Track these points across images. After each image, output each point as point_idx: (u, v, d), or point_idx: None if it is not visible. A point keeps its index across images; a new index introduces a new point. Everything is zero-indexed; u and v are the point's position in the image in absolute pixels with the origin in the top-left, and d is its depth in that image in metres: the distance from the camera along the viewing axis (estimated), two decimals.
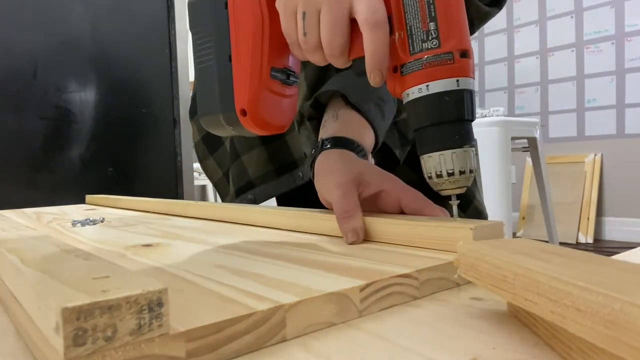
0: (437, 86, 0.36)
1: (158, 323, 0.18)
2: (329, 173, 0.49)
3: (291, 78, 0.45)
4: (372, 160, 0.55)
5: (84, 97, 1.39)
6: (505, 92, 3.74)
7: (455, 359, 0.20)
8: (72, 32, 1.36)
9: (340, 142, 0.52)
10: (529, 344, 0.21)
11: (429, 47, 0.36)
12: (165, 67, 1.54)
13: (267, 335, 0.22)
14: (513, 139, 2.30)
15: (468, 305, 0.27)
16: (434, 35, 0.36)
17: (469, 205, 0.72)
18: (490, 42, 3.75)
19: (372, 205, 0.47)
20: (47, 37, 1.32)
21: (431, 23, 0.36)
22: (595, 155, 3.25)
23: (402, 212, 0.45)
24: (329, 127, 0.56)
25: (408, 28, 0.37)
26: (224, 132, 0.46)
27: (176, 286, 0.28)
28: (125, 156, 1.47)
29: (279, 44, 0.43)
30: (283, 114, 0.45)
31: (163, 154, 1.54)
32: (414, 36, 0.37)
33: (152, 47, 1.52)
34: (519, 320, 0.24)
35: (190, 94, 1.63)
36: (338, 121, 0.56)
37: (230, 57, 0.43)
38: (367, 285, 0.26)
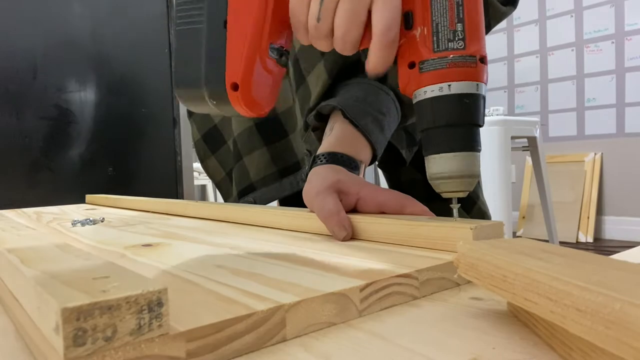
0: (459, 87, 0.36)
1: (158, 323, 0.18)
2: (309, 183, 0.49)
3: (283, 58, 0.41)
4: (363, 174, 0.54)
5: (84, 97, 1.39)
6: (505, 92, 3.74)
7: (455, 359, 0.20)
8: (72, 32, 1.36)
9: (333, 158, 0.51)
10: (529, 344, 0.21)
11: (455, 47, 0.36)
12: (165, 67, 1.54)
13: (267, 335, 0.22)
14: (513, 138, 2.30)
15: (468, 305, 0.27)
16: (460, 37, 0.36)
17: (473, 206, 0.71)
18: (490, 41, 3.75)
19: (353, 212, 0.47)
20: (47, 37, 1.32)
21: (459, 24, 0.36)
22: (595, 154, 3.25)
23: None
24: (325, 141, 0.55)
25: (434, 25, 0.36)
26: (204, 108, 0.41)
27: (176, 286, 0.28)
28: (125, 156, 1.47)
29: (281, 20, 0.40)
30: (271, 96, 0.42)
31: (163, 154, 1.54)
32: (440, 34, 0.36)
33: (152, 47, 1.52)
34: (519, 320, 0.24)
35: None
36: (333, 135, 0.55)
37: (225, 22, 0.39)
38: (367, 285, 0.26)
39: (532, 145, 2.43)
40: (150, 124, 1.51)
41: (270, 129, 0.75)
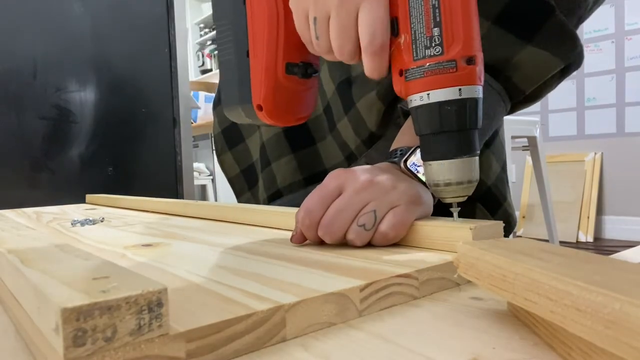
0: (438, 95, 0.36)
1: (158, 323, 0.18)
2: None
3: (309, 71, 0.45)
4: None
5: (84, 97, 1.39)
6: None
7: (455, 359, 0.20)
8: (72, 32, 1.36)
9: (389, 155, 0.49)
10: (529, 344, 0.21)
11: (432, 54, 0.35)
12: (165, 67, 1.54)
13: (267, 335, 0.22)
14: (513, 137, 2.30)
15: (468, 305, 0.27)
16: (437, 42, 0.35)
17: (499, 208, 0.66)
18: None
19: None
20: (47, 37, 1.32)
21: (435, 28, 0.35)
22: (595, 153, 3.25)
23: None
24: (395, 139, 0.54)
25: (413, 32, 0.36)
26: (245, 121, 0.47)
27: (176, 286, 0.28)
28: (125, 156, 1.46)
29: (295, 39, 0.43)
30: (302, 107, 0.46)
31: (163, 153, 1.54)
32: (418, 42, 0.36)
33: (152, 47, 1.52)
34: (519, 320, 0.24)
35: (191, 94, 1.63)
36: (401, 130, 0.54)
37: (247, 52, 0.44)
38: (367, 285, 0.26)
39: (532, 145, 2.43)
40: (150, 124, 1.51)
41: (298, 136, 0.74)
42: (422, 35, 0.36)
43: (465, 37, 0.36)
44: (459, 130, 0.36)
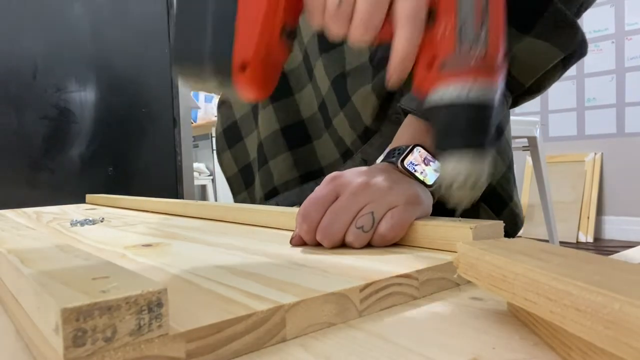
0: (477, 91, 0.35)
1: (158, 323, 0.18)
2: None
3: (291, 37, 0.38)
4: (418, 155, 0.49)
5: (84, 97, 1.39)
6: None
7: (455, 359, 0.20)
8: (72, 32, 1.36)
9: (387, 155, 0.48)
10: (529, 344, 0.21)
11: (477, 50, 0.34)
12: (165, 67, 1.54)
13: (267, 335, 0.22)
14: (513, 138, 2.29)
15: (468, 305, 0.27)
16: (483, 40, 0.34)
17: (504, 208, 0.65)
18: None
19: None
20: (47, 37, 1.32)
21: (483, 26, 0.35)
22: (595, 154, 3.25)
23: None
24: (394, 139, 0.53)
25: (459, 24, 0.35)
26: (203, 86, 0.37)
27: (176, 286, 0.28)
28: (125, 156, 1.47)
29: (297, 1, 0.36)
30: (273, 81, 0.38)
31: (163, 153, 1.54)
32: (463, 35, 0.35)
33: (152, 47, 1.52)
34: (519, 320, 0.24)
35: (191, 94, 1.63)
36: (400, 130, 0.53)
37: None
38: (367, 286, 0.26)
39: (532, 145, 2.43)
40: (150, 124, 1.51)
41: (295, 134, 0.74)
42: (470, 29, 0.35)
43: (501, 44, 0.35)
44: (483, 133, 0.36)
